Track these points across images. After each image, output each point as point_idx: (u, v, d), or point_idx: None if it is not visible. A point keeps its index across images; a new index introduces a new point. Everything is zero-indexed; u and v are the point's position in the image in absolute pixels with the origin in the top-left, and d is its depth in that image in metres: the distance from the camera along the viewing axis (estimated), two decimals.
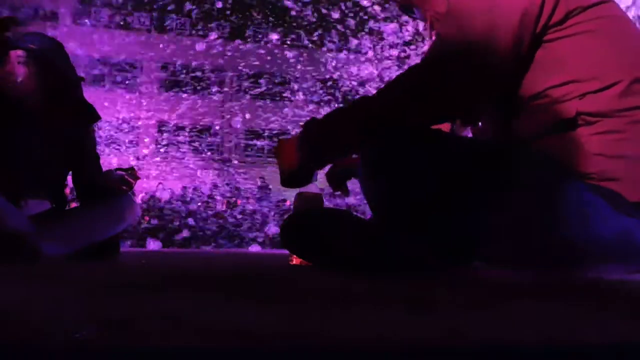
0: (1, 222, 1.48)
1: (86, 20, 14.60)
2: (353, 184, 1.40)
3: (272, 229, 9.16)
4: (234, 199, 11.84)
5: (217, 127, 15.38)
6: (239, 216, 9.75)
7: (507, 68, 1.01)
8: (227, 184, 12.96)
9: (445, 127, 1.33)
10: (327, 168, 1.39)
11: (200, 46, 13.21)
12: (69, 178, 1.97)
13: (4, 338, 0.37)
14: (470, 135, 1.39)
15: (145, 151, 14.81)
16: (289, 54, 12.63)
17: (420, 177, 1.01)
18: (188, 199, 10.98)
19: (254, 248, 6.21)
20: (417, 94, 1.03)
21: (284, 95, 13.96)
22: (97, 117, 1.90)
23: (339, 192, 1.48)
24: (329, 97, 11.39)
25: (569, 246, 0.96)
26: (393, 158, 1.03)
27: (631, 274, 1.02)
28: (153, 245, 6.38)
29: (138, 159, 14.17)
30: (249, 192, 12.94)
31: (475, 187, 0.99)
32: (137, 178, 1.91)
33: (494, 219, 0.98)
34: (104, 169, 1.98)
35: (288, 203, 10.83)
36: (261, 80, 14.74)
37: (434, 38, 1.22)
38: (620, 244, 0.96)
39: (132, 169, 1.95)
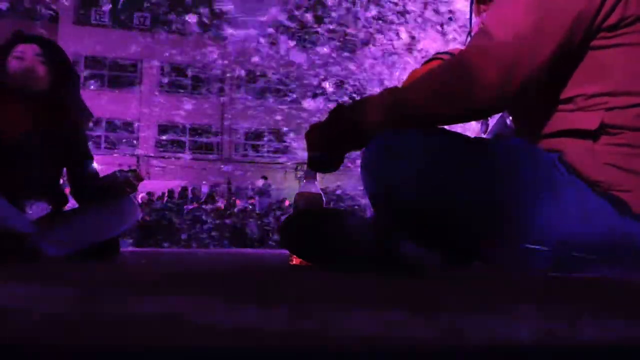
0: (1, 222, 1.48)
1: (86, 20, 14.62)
2: (354, 186, 1.39)
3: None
4: (233, 198, 11.86)
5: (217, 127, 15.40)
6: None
7: (544, 70, 0.96)
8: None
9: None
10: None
11: (201, 46, 13.22)
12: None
13: (4, 338, 0.37)
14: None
15: (145, 150, 14.84)
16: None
17: (420, 177, 1.01)
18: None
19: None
20: (452, 86, 1.00)
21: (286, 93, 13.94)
22: (91, 115, 1.91)
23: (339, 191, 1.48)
24: None
25: (570, 247, 0.96)
26: (393, 156, 1.03)
27: (631, 274, 1.02)
28: None
29: (137, 158, 14.19)
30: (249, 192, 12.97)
31: (476, 186, 0.99)
32: (140, 179, 1.92)
33: (495, 219, 0.97)
34: (105, 168, 1.99)
35: (287, 203, 10.83)
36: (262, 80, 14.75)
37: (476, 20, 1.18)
38: (622, 246, 0.96)
39: (134, 170, 1.96)
